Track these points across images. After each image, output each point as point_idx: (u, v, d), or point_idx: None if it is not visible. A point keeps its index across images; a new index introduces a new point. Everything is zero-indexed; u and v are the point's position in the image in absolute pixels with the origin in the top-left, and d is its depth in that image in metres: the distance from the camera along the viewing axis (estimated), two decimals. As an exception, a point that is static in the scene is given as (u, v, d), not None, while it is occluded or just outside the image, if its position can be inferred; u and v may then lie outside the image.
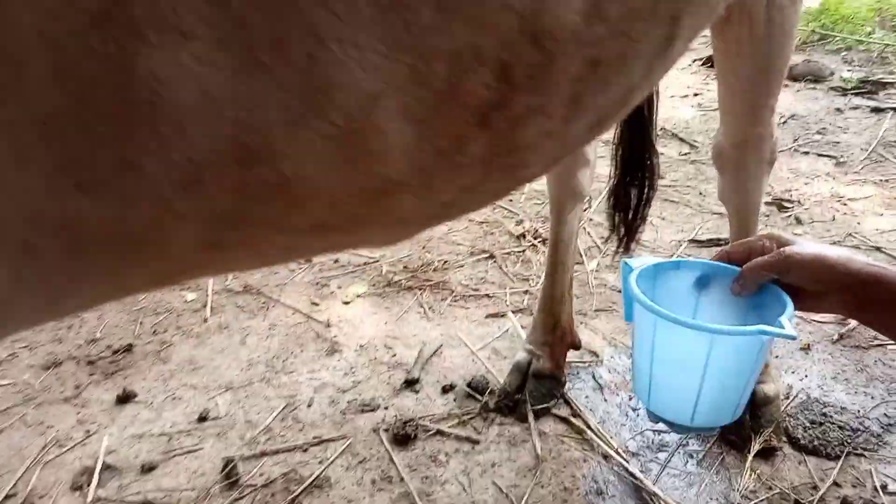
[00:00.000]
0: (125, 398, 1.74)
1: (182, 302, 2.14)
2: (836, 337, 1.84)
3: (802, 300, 0.83)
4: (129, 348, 1.92)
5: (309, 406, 1.68)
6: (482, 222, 2.49)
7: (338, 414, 1.65)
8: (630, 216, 1.60)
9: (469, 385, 1.70)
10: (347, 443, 1.56)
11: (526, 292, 2.08)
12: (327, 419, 1.64)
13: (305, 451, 1.55)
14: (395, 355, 1.84)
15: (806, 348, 1.81)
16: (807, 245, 0.83)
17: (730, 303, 0.91)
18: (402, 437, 1.55)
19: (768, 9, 1.06)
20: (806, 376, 1.72)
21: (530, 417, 1.58)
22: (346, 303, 2.07)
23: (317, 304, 2.08)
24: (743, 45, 1.10)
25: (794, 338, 0.80)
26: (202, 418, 1.66)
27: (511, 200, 2.63)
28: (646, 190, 1.57)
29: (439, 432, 1.57)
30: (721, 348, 0.80)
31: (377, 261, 2.28)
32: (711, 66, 4.06)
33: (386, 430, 1.58)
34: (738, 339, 0.80)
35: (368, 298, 2.10)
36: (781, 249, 0.83)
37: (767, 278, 0.84)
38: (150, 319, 2.05)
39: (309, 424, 1.63)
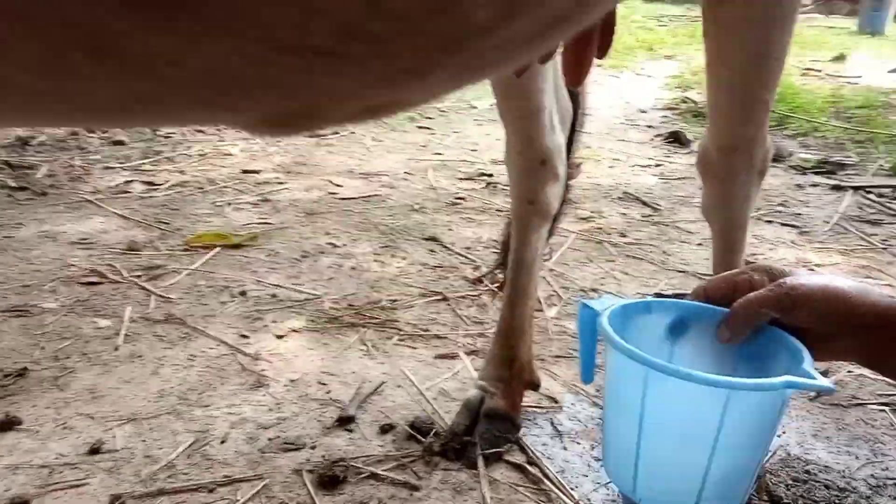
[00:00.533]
0: (7, 425, 1.47)
1: (93, 328, 1.90)
2: (812, 394, 1.69)
3: (806, 345, 0.65)
4: (22, 373, 1.66)
5: (222, 442, 1.44)
6: (436, 266, 2.33)
7: (255, 452, 1.41)
8: None
9: (412, 426, 1.48)
10: (263, 483, 1.32)
11: (480, 335, 1.90)
12: (242, 457, 1.40)
13: (212, 491, 1.30)
14: (329, 392, 1.62)
15: (782, 404, 1.65)
16: (810, 276, 0.67)
17: (714, 353, 0.73)
18: (329, 480, 1.32)
19: None
20: (784, 433, 1.55)
21: (480, 463, 1.37)
22: (280, 337, 1.86)
23: (246, 337, 1.86)
24: (738, 27, 0.99)
25: (832, 390, 0.61)
26: (94, 450, 1.40)
27: (469, 248, 2.48)
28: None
29: (373, 476, 1.35)
30: (738, 408, 0.61)
31: (319, 297, 2.08)
32: (673, 141, 4.09)
33: (310, 472, 1.35)
34: (761, 396, 0.62)
35: (305, 334, 1.89)
36: (781, 281, 0.66)
37: (765, 318, 0.67)
38: (53, 344, 1.80)
39: (220, 462, 1.38)
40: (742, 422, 0.62)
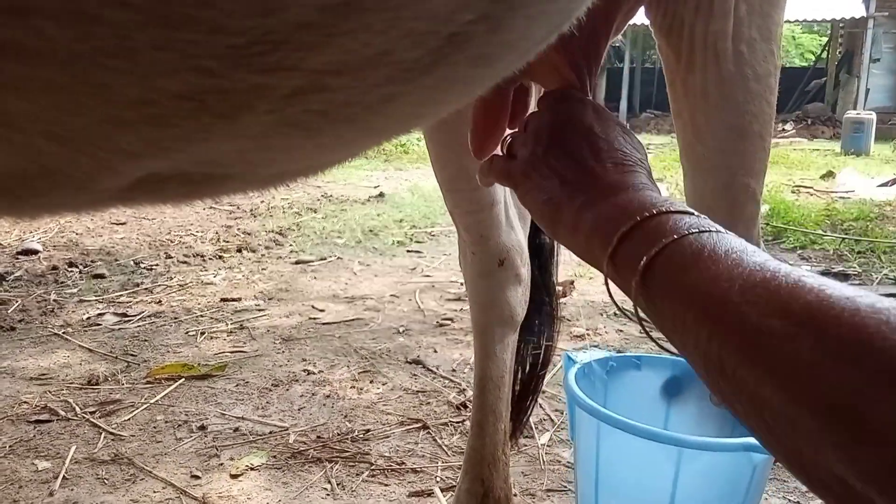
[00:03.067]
0: None
1: (31, 472, 1.70)
2: None
3: None
4: (-66, 527, 1.46)
5: None
6: (418, 391, 2.15)
7: None
8: (520, 392, 1.34)
9: (374, 580, 1.26)
10: None
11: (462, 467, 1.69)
12: None
13: None
14: (282, 541, 1.40)
15: None
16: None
17: (713, 416, 0.65)
18: None
19: (735, 43, 0.87)
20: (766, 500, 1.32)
21: None
22: (235, 476, 1.65)
23: (197, 478, 1.65)
24: (710, 94, 0.89)
25: None
26: None
27: (454, 370, 2.31)
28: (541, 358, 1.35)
29: None
30: (695, 468, 0.56)
31: (286, 429, 1.89)
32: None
33: None
34: (717, 458, 0.56)
35: (264, 472, 1.68)
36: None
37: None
38: (-20, 492, 1.60)
39: None
40: (702, 483, 0.57)
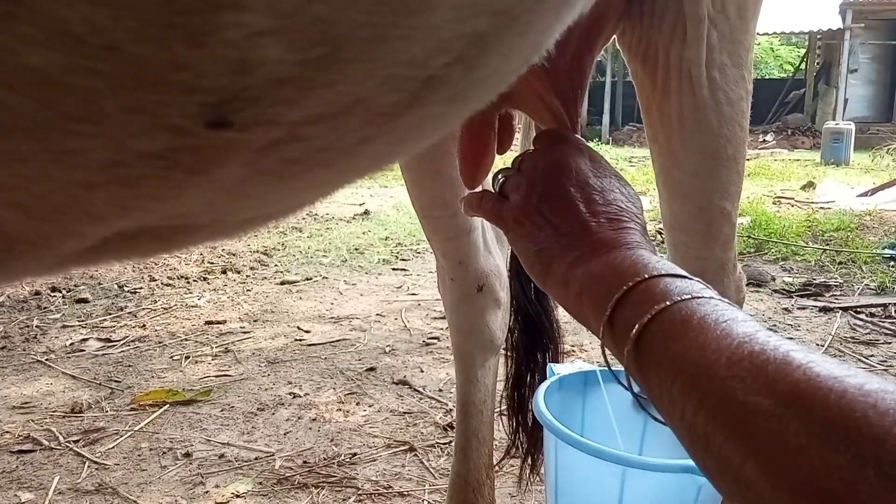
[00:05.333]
0: None
1: (14, 503, 1.68)
2: None
3: None
4: (-88, 565, 1.43)
5: None
6: (405, 412, 2.14)
7: None
8: (532, 422, 1.31)
9: None
10: None
11: (449, 490, 1.69)
12: None
13: None
14: (269, 570, 1.39)
15: None
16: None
17: None
18: None
19: (708, 69, 0.88)
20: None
21: None
22: None
23: (183, 506, 1.64)
24: (686, 119, 0.90)
25: None
26: None
27: (441, 390, 2.31)
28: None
29: None
30: (639, 486, 0.57)
31: (272, 454, 1.87)
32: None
33: None
34: (659, 478, 0.57)
35: (250, 499, 1.67)
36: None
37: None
38: (-41, 527, 1.57)
39: None
40: (648, 501, 0.58)
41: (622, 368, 0.59)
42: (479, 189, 0.68)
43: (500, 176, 0.64)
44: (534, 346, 1.29)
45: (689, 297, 0.46)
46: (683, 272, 0.49)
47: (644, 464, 0.57)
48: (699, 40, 0.88)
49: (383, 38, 0.31)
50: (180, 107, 0.27)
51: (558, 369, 0.72)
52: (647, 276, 0.48)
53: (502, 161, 0.74)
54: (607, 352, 0.51)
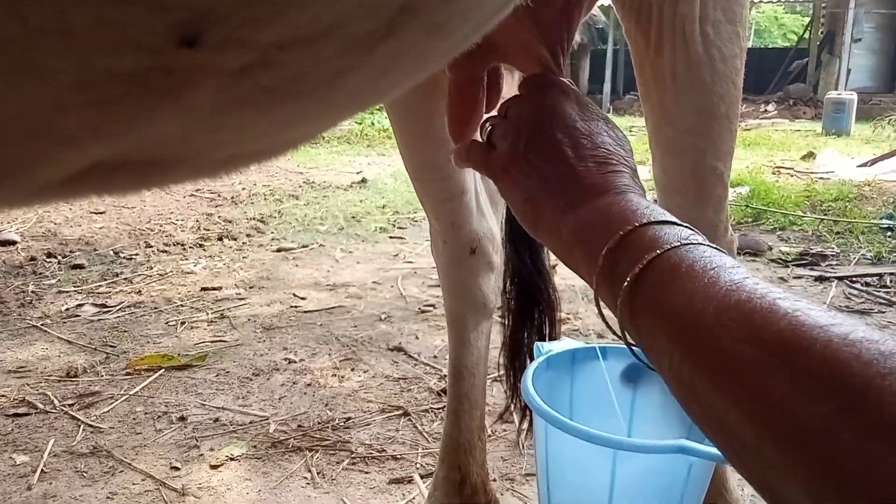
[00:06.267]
0: None
1: (9, 465, 1.69)
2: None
3: None
4: None
5: None
6: (400, 378, 2.15)
7: None
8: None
9: (353, 568, 1.26)
10: None
11: (442, 454, 1.70)
12: None
13: None
14: (262, 530, 1.41)
15: None
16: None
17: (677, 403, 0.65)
18: None
19: (702, 24, 0.86)
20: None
21: None
22: (215, 467, 1.65)
23: (177, 469, 1.65)
24: (679, 76, 0.89)
25: (723, 460, 0.53)
26: None
27: (435, 357, 2.31)
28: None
29: None
30: (630, 468, 0.58)
31: (266, 418, 1.88)
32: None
33: None
34: (654, 459, 0.57)
35: (245, 462, 1.68)
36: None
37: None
38: (-44, 488, 1.58)
39: None
40: (638, 483, 0.59)
41: (614, 344, 0.58)
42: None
43: (487, 124, 0.63)
44: (530, 310, 1.29)
45: (679, 244, 0.45)
46: (673, 217, 0.48)
47: (635, 445, 0.58)
48: None
49: None
50: (149, 23, 0.27)
51: (546, 347, 0.72)
52: (636, 223, 0.48)
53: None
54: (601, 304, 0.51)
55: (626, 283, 0.45)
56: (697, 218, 1.04)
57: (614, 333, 0.51)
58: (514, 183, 0.57)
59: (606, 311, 0.51)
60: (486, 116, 0.66)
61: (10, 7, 0.24)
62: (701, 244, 0.45)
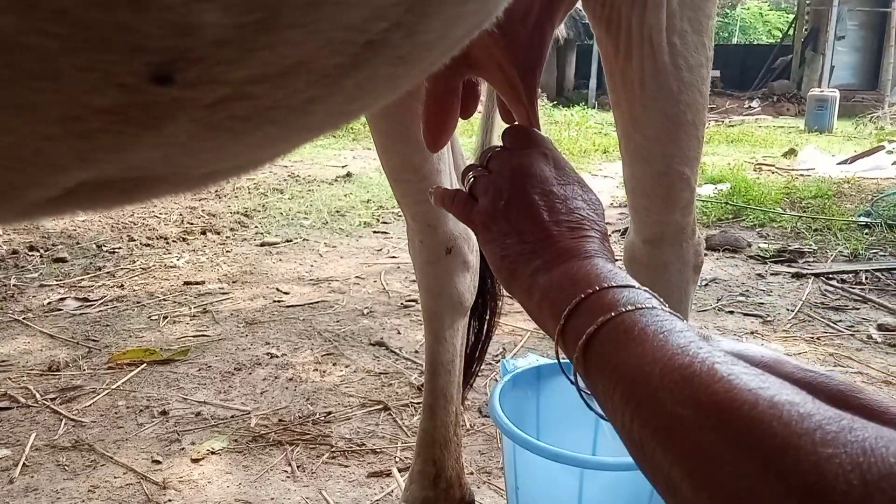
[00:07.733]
0: None
1: (-11, 461, 1.70)
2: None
3: None
4: None
5: (107, 592, 1.24)
6: (381, 373, 2.17)
7: None
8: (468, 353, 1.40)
9: (330, 560, 1.29)
10: None
11: (421, 447, 1.73)
12: None
13: None
14: (242, 523, 1.43)
15: None
16: (724, 343, 0.61)
17: None
18: None
19: (668, 34, 0.89)
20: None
21: None
22: (196, 461, 1.67)
23: (158, 463, 1.66)
24: (647, 84, 0.91)
25: None
26: None
27: (417, 352, 2.34)
28: (485, 329, 1.41)
29: None
30: (596, 486, 0.59)
31: (247, 413, 1.90)
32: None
33: None
34: (616, 476, 0.60)
35: (225, 455, 1.70)
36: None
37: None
38: (-64, 481, 1.59)
39: None
40: (606, 499, 0.59)
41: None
42: (449, 187, 0.69)
43: (469, 174, 0.66)
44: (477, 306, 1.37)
45: (633, 308, 0.48)
46: (633, 282, 0.51)
47: (600, 464, 0.60)
48: (659, 6, 0.89)
49: (319, 4, 0.33)
50: (127, 65, 0.29)
51: (512, 364, 0.73)
52: (598, 287, 0.51)
53: (469, 124, 0.75)
54: (561, 355, 0.54)
55: (580, 341, 0.49)
56: (665, 221, 1.07)
57: (569, 380, 0.54)
58: (493, 239, 0.60)
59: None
60: (468, 164, 0.70)
61: (4, 55, 0.26)
62: (655, 308, 0.48)
